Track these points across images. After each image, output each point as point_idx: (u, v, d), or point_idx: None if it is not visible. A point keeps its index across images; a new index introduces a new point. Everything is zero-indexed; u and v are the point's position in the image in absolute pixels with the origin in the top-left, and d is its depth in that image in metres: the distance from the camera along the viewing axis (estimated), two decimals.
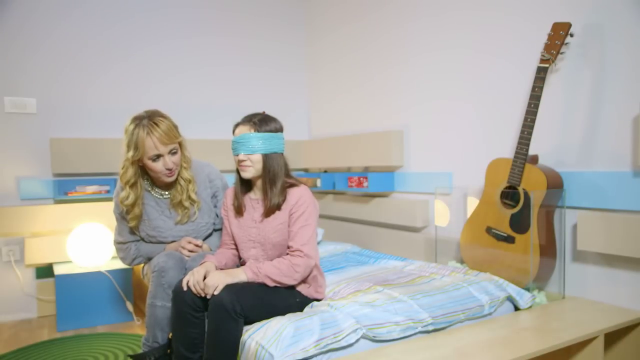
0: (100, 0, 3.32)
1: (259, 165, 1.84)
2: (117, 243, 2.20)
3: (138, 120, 1.93)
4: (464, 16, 2.63)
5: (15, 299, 3.11)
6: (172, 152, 1.98)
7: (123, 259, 2.20)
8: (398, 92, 3.11)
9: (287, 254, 1.84)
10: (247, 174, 1.85)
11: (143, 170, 2.05)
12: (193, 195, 2.09)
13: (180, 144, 2.03)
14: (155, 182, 2.10)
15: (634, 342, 1.89)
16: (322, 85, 3.90)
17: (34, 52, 3.13)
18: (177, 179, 2.06)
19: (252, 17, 3.86)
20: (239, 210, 1.93)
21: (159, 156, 1.94)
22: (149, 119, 1.93)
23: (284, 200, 1.85)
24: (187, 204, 2.08)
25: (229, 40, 3.77)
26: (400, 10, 3.06)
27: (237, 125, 1.88)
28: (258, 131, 1.83)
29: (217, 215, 2.22)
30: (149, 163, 1.95)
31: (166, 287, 1.88)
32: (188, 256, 2.05)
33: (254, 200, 1.93)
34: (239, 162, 1.85)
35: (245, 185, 1.95)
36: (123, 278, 3.03)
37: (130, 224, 2.10)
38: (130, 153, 1.92)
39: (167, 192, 2.11)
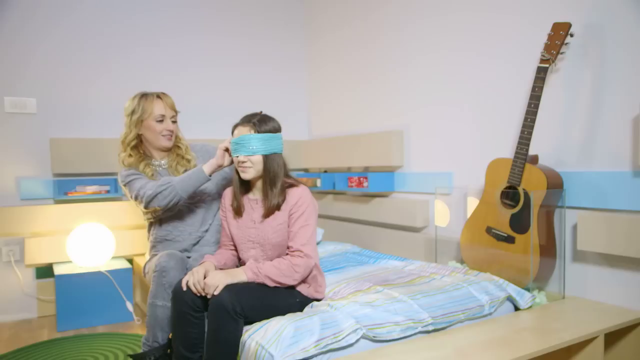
0: (100, 1, 3.32)
1: (259, 166, 1.84)
2: (138, 193, 2.06)
3: (146, 93, 2.19)
4: (465, 17, 2.63)
5: (15, 299, 3.11)
6: (173, 120, 2.21)
7: (161, 200, 2.02)
8: (398, 92, 3.11)
9: (287, 254, 1.84)
10: (248, 175, 1.85)
11: (141, 145, 2.23)
12: (191, 152, 2.28)
13: (176, 117, 2.25)
14: (151, 154, 2.24)
15: (634, 342, 1.89)
16: (322, 85, 3.90)
17: (34, 52, 3.13)
18: (175, 144, 2.25)
19: (251, 18, 3.86)
20: (238, 211, 1.93)
21: (163, 118, 2.16)
22: (160, 92, 2.22)
23: (283, 201, 1.85)
24: (188, 156, 2.25)
25: (228, 41, 3.77)
26: (400, 11, 3.06)
27: (235, 126, 1.88)
28: (258, 132, 1.83)
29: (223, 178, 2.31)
30: (153, 124, 2.15)
31: (167, 287, 1.88)
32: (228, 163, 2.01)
33: (252, 200, 1.93)
34: (239, 163, 1.84)
35: (244, 185, 1.95)
36: (123, 278, 3.03)
37: (147, 174, 2.16)
38: (137, 115, 2.14)
39: (164, 161, 2.26)
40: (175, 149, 2.26)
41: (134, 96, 2.19)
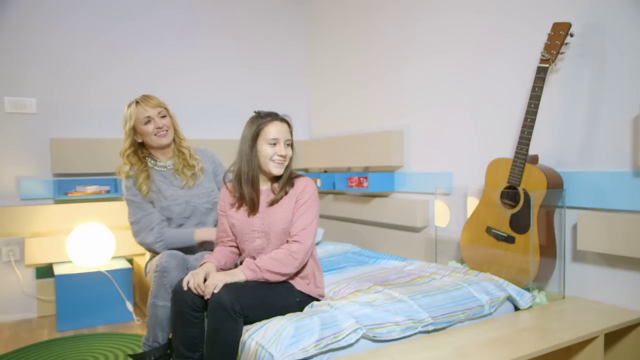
0: (101, 1, 3.32)
1: (288, 160, 1.92)
2: (132, 224, 2.24)
3: (131, 101, 2.24)
4: (465, 17, 2.63)
5: (15, 299, 3.11)
6: (161, 116, 2.23)
7: (143, 238, 2.20)
8: (398, 92, 3.11)
9: (287, 241, 1.86)
10: (281, 169, 1.90)
11: (146, 152, 2.28)
12: (195, 156, 2.33)
13: (167, 111, 2.27)
14: (156, 157, 2.29)
15: (634, 342, 1.89)
16: (323, 85, 3.90)
17: (34, 52, 3.13)
18: (177, 147, 2.30)
19: (252, 19, 3.86)
20: (254, 207, 1.91)
21: (149, 119, 2.20)
22: (140, 96, 2.26)
23: (291, 188, 1.91)
24: (192, 162, 2.29)
25: (229, 42, 3.77)
26: (400, 12, 3.06)
27: (270, 121, 1.88)
28: (290, 127, 1.93)
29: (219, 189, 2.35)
30: (143, 128, 2.20)
31: (168, 287, 1.89)
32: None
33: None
34: (280, 157, 1.87)
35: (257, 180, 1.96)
36: (123, 278, 3.03)
37: (142, 191, 2.19)
38: (127, 126, 2.20)
39: (169, 163, 2.30)
40: (179, 154, 2.30)
41: (125, 106, 2.24)
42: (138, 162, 2.24)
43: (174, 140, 2.30)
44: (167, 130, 2.23)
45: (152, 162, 2.28)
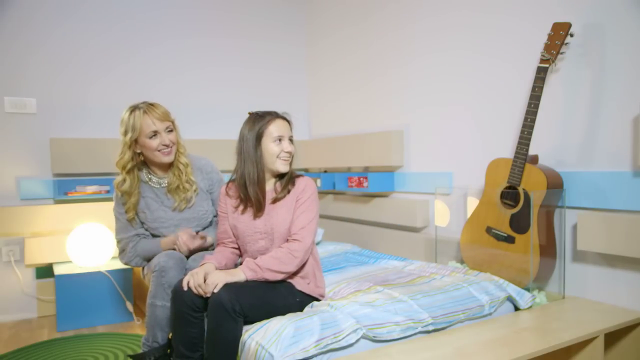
0: (101, 1, 3.32)
1: (292, 156, 1.94)
2: (116, 242, 2.23)
3: (134, 107, 2.06)
4: (465, 17, 2.63)
5: (15, 299, 3.11)
6: (168, 130, 2.08)
7: (121, 258, 2.22)
8: (398, 92, 3.11)
9: (287, 240, 1.86)
10: (288, 166, 1.92)
11: (141, 162, 2.14)
12: (191, 177, 2.17)
13: (174, 124, 2.13)
14: (153, 171, 2.16)
15: (634, 342, 1.89)
16: (323, 85, 3.90)
17: (34, 52, 3.13)
18: (175, 163, 2.14)
19: (253, 18, 3.86)
20: (260, 207, 1.90)
21: (156, 133, 2.04)
22: (145, 103, 2.08)
23: (292, 187, 1.91)
24: (187, 185, 2.15)
25: (229, 41, 3.77)
26: (400, 11, 3.06)
27: (273, 120, 1.89)
28: (290, 124, 1.95)
29: (213, 205, 2.27)
30: (147, 141, 2.04)
31: (166, 287, 1.89)
32: (187, 255, 2.05)
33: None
34: (287, 154, 1.89)
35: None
36: (123, 278, 3.03)
37: (128, 215, 2.14)
38: (129, 135, 2.03)
39: (164, 179, 2.16)
40: (176, 170, 2.13)
41: (126, 110, 2.06)
42: (135, 179, 2.10)
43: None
44: (171, 147, 2.08)
45: (147, 176, 2.15)
